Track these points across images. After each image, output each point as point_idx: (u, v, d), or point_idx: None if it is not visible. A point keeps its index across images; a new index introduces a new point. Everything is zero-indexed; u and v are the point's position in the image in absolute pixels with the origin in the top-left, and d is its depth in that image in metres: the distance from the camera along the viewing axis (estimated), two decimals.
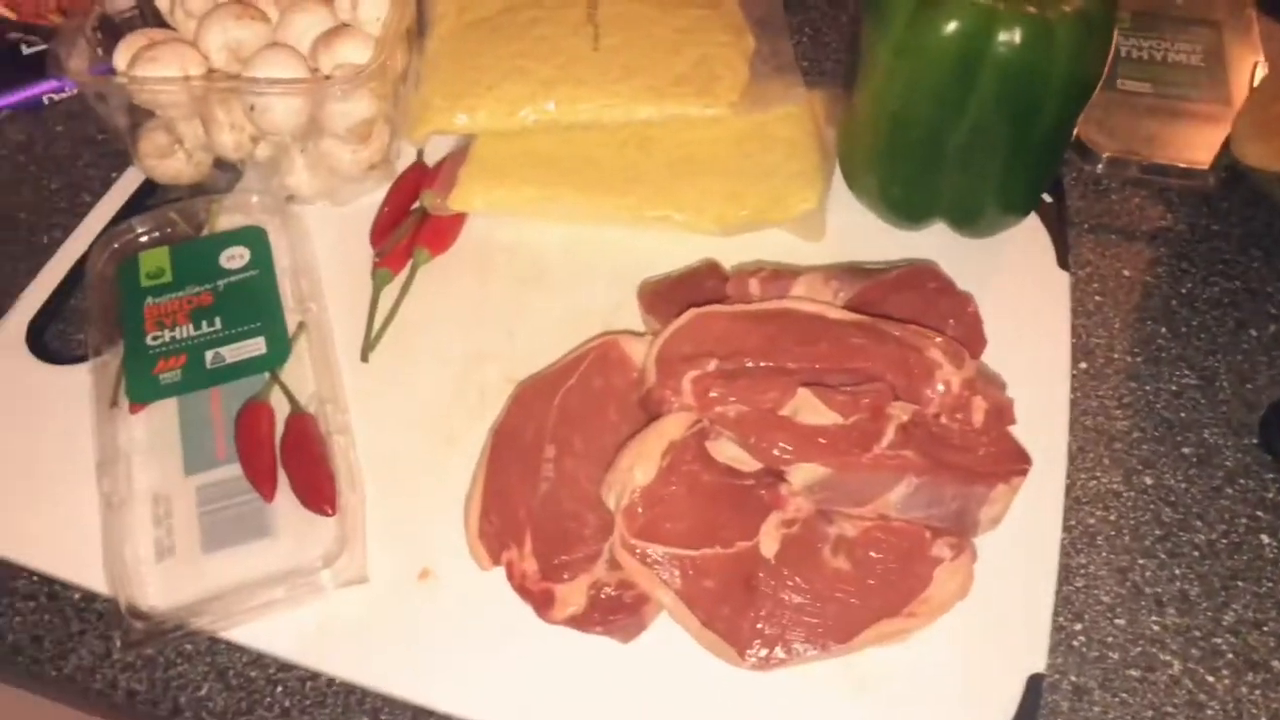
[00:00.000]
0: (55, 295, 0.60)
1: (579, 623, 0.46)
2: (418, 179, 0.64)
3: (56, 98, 0.72)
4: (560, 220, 0.61)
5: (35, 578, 0.50)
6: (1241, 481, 0.52)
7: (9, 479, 0.53)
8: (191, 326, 0.55)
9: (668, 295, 0.55)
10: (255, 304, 0.56)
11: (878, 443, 0.47)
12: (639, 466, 0.45)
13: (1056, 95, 0.52)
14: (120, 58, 0.59)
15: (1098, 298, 0.60)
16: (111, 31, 0.61)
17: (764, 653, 0.44)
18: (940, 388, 0.49)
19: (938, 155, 0.55)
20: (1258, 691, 0.46)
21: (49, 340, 0.59)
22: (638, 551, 0.44)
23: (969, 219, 0.59)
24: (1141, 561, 0.50)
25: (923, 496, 0.47)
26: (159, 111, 0.59)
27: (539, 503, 0.48)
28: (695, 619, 0.44)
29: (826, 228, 0.60)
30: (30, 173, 0.68)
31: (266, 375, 0.54)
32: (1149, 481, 0.52)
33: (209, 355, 0.54)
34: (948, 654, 0.46)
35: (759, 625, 0.44)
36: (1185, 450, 0.53)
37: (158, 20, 0.64)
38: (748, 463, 0.47)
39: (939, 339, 0.50)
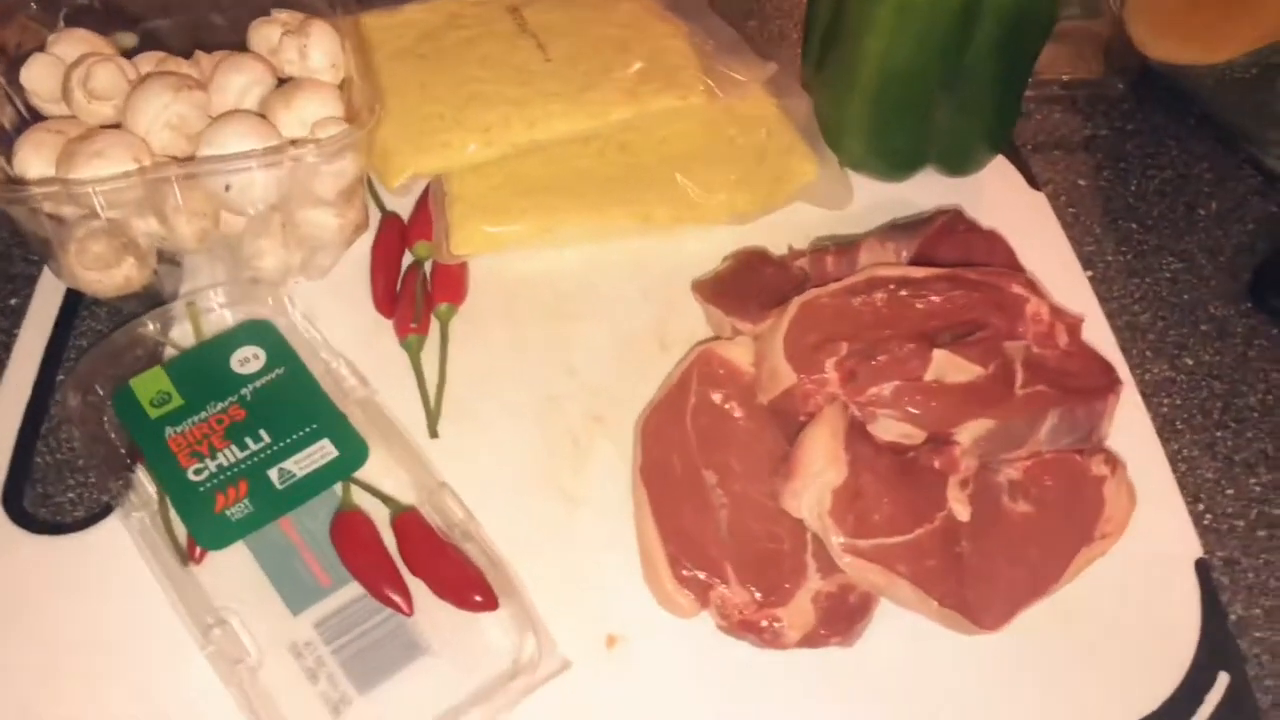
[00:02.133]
0: (16, 453, 0.50)
1: (812, 640, 0.44)
2: (398, 232, 0.58)
3: None
4: (567, 243, 0.58)
5: None
6: (1258, 342, 0.58)
7: (57, 685, 0.44)
8: (236, 448, 0.47)
9: (733, 290, 0.54)
10: (300, 405, 0.49)
11: (1015, 384, 0.48)
12: (830, 466, 0.44)
13: (1040, 26, 0.56)
14: (32, 161, 0.50)
15: (1071, 210, 0.64)
16: None
17: (997, 612, 0.44)
18: (1032, 318, 0.51)
19: (935, 105, 0.57)
20: None
21: (31, 508, 0.49)
22: (861, 549, 0.43)
23: (959, 160, 0.61)
24: (1219, 434, 0.55)
25: (1065, 424, 0.49)
26: (104, 214, 0.50)
27: (726, 532, 0.46)
28: (934, 600, 0.43)
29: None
30: None
31: (339, 484, 0.48)
32: (1190, 363, 0.57)
33: (274, 474, 0.47)
34: (1121, 567, 0.48)
35: (983, 588, 0.45)
36: (1203, 327, 0.59)
37: (29, 111, 0.54)
38: (913, 435, 0.47)
39: (1014, 274, 0.52)
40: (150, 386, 0.49)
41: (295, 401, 0.49)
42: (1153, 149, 0.68)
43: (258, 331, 0.51)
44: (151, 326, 0.52)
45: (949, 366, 0.48)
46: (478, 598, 0.44)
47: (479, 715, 0.42)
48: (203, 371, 0.50)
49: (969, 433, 0.47)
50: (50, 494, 0.50)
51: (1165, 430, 0.54)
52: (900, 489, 0.45)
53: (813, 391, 0.47)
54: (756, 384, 0.49)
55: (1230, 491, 0.52)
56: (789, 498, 0.45)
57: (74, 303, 0.56)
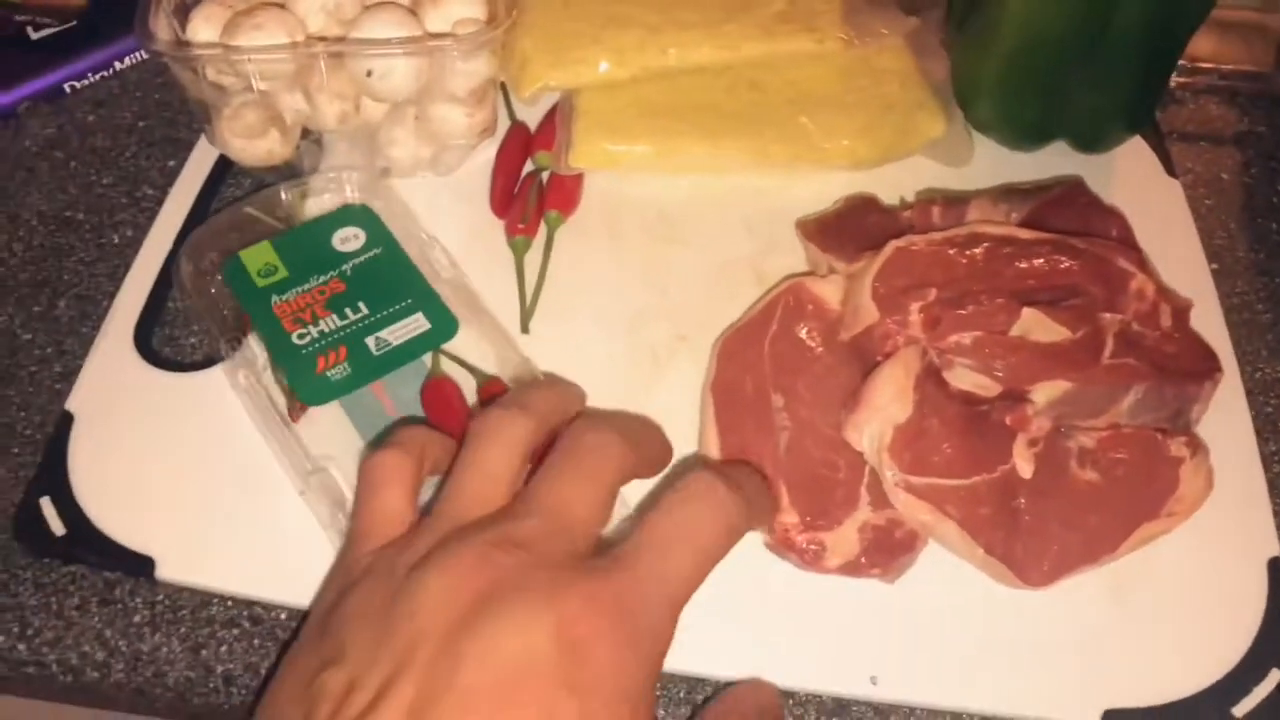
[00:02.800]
0: (151, 298, 0.55)
1: (852, 569, 0.45)
2: (523, 140, 0.60)
3: (78, 84, 0.65)
4: (683, 170, 0.59)
5: (229, 602, 0.46)
6: None
7: (174, 497, 0.48)
8: (336, 317, 0.51)
9: (836, 231, 0.54)
10: (396, 281, 0.52)
11: (1103, 353, 0.47)
12: (895, 402, 0.45)
13: (1193, 16, 0.54)
14: (202, 29, 0.54)
15: (1207, 201, 0.62)
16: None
17: (1045, 571, 0.44)
18: (1135, 295, 0.50)
19: (1071, 76, 0.56)
20: None
21: (159, 347, 0.54)
22: (915, 486, 0.44)
23: (1094, 137, 0.60)
24: None
25: (1149, 401, 0.48)
26: (257, 85, 0.54)
27: (784, 454, 0.47)
28: (979, 547, 0.44)
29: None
30: (73, 170, 0.61)
31: (428, 356, 0.51)
32: None
33: (371, 342, 0.50)
34: (1187, 551, 0.47)
35: (1034, 545, 0.44)
36: None
37: None
38: (987, 388, 0.47)
39: (1124, 249, 0.51)
40: (258, 258, 0.53)
41: (391, 278, 0.52)
42: None
43: (358, 215, 0.55)
44: (261, 207, 0.56)
45: (1036, 325, 0.47)
46: None
47: None
48: (306, 247, 0.53)
49: (1045, 393, 0.46)
50: (176, 336, 0.54)
51: (1266, 429, 0.52)
52: (965, 436, 0.45)
53: (894, 332, 0.47)
54: (841, 320, 0.50)
55: None
56: (851, 429, 0.46)
57: (222, 170, 0.60)
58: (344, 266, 0.53)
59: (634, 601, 0.33)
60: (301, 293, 0.52)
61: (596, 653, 0.31)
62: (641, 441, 0.40)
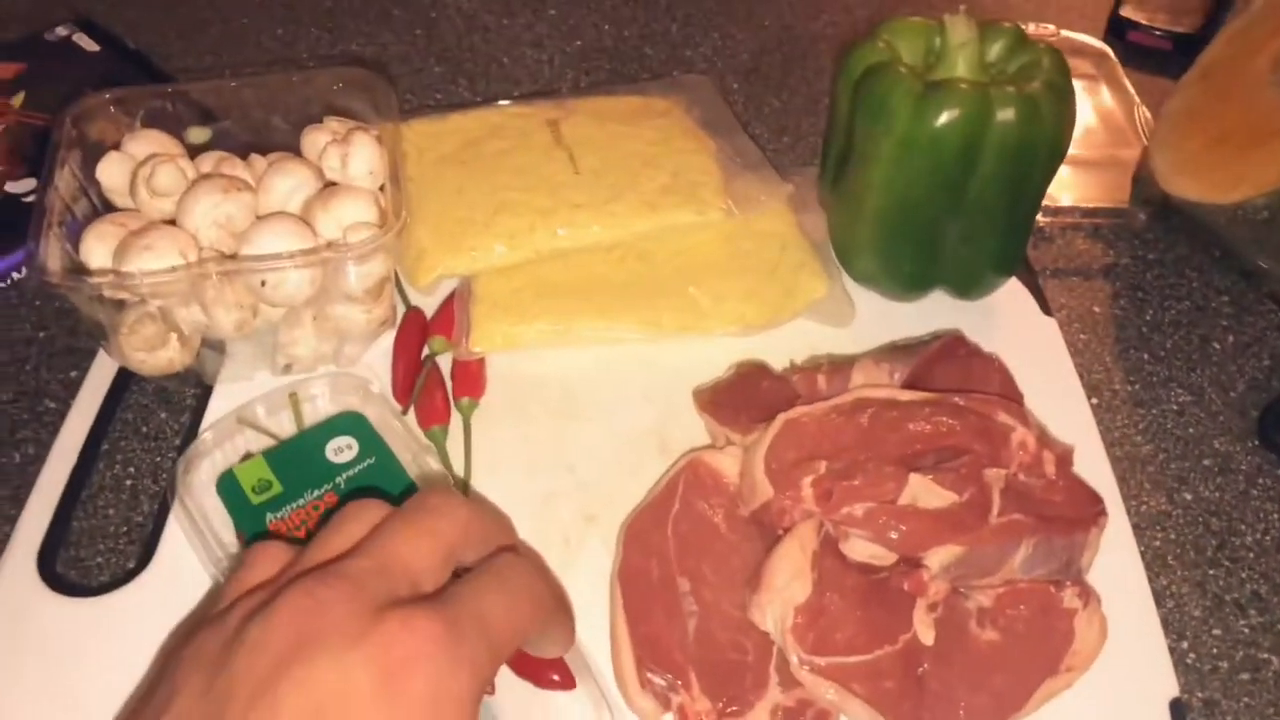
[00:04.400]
0: (56, 518, 0.54)
1: None
2: (420, 326, 0.62)
3: None
4: (581, 344, 0.61)
5: None
6: (1261, 480, 0.58)
7: None
8: None
9: (729, 401, 0.56)
10: (389, 492, 0.52)
11: (991, 512, 0.49)
12: (795, 582, 0.46)
13: (1042, 162, 0.58)
14: (95, 249, 0.55)
15: (1082, 336, 0.65)
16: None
17: None
18: (1018, 448, 0.52)
19: (942, 232, 0.59)
20: None
21: (64, 570, 0.53)
22: (819, 667, 0.45)
23: (969, 284, 0.63)
24: (1212, 572, 0.55)
25: (1040, 554, 0.49)
26: (152, 303, 0.55)
27: (693, 640, 0.47)
28: None
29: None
30: None
31: None
32: (1189, 497, 0.58)
33: None
34: (1090, 701, 0.48)
35: (941, 712, 0.45)
36: (1206, 462, 0.59)
37: (102, 202, 0.60)
38: (883, 557, 0.48)
39: (1003, 402, 0.53)
40: (253, 475, 0.53)
41: (385, 489, 0.52)
42: (1172, 280, 0.69)
43: (350, 423, 0.55)
44: (249, 413, 0.56)
45: (924, 491, 0.49)
46: (555, 676, 0.47)
47: None
48: (299, 460, 0.53)
49: (939, 558, 0.48)
50: (82, 557, 0.54)
51: (1155, 565, 0.55)
52: (865, 608, 0.46)
53: (789, 507, 0.49)
54: (739, 495, 0.51)
55: (1217, 631, 0.52)
56: (755, 610, 0.47)
57: (125, 379, 0.60)
58: (338, 479, 0.53)
59: (453, 633, 0.33)
60: (296, 509, 0.52)
61: (415, 678, 0.32)
62: (535, 590, 0.39)
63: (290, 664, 0.32)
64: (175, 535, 0.53)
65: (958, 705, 0.46)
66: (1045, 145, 0.57)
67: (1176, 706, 0.48)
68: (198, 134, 0.65)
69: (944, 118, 0.54)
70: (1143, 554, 0.54)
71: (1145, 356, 0.64)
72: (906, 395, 0.53)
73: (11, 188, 0.68)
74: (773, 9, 0.91)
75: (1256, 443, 0.60)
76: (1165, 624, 0.52)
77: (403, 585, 0.35)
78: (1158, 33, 0.86)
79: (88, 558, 0.54)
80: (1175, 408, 0.62)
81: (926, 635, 0.47)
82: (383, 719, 0.31)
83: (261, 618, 0.33)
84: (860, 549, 0.48)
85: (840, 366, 0.57)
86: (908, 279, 0.63)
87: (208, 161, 0.60)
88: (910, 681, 0.46)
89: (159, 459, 0.58)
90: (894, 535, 0.48)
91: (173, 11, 0.89)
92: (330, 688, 0.31)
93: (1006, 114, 0.55)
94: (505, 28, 0.89)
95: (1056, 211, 0.71)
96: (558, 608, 0.40)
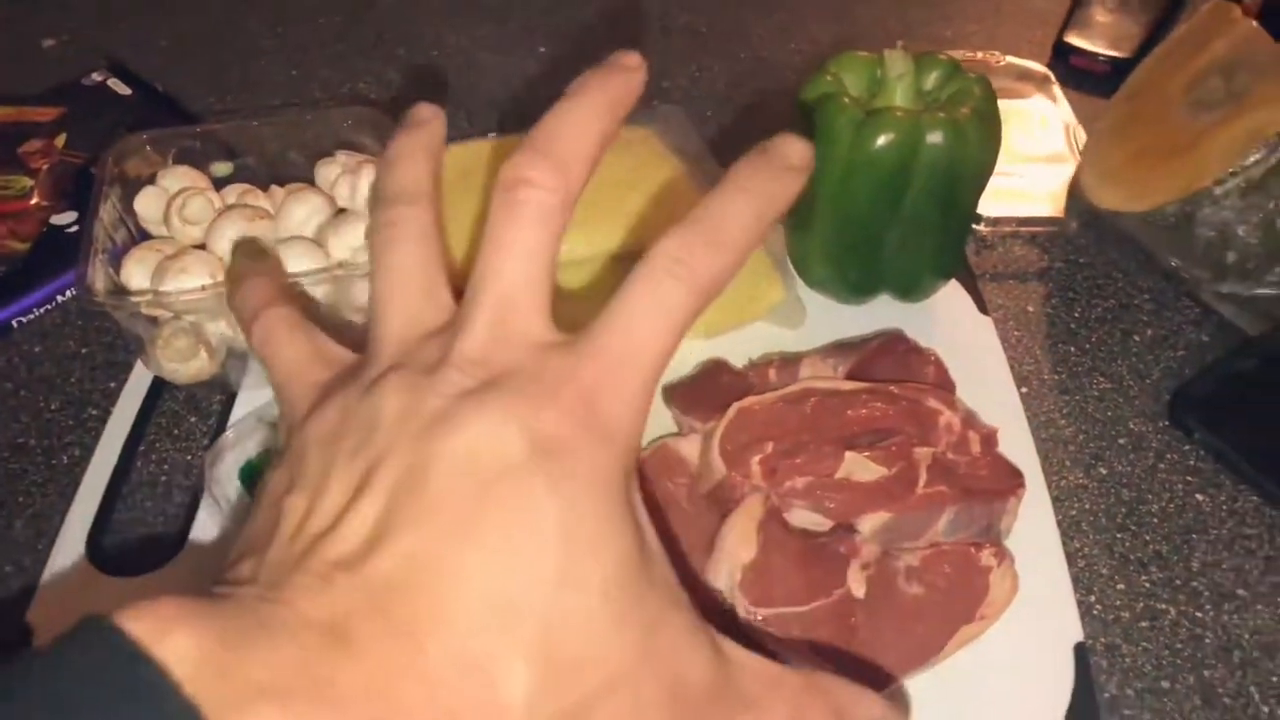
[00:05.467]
0: (100, 510, 0.62)
1: None
2: None
3: (24, 319, 0.73)
4: None
5: None
6: (1169, 456, 0.65)
7: None
8: None
9: (695, 395, 0.63)
10: None
11: (917, 484, 0.57)
12: (743, 546, 0.53)
13: (970, 180, 0.65)
14: (135, 272, 0.63)
15: (1016, 333, 0.73)
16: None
17: (882, 675, 0.52)
18: (945, 429, 0.60)
19: (882, 243, 0.66)
20: (1235, 615, 0.58)
21: (111, 556, 0.61)
22: (764, 617, 0.52)
23: (910, 288, 0.70)
24: (1119, 535, 0.62)
25: (961, 520, 0.57)
26: (185, 318, 0.63)
27: None
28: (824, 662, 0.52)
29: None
30: (23, 398, 0.69)
31: None
32: (1104, 472, 0.65)
33: None
34: (1003, 645, 0.55)
35: (869, 655, 0.53)
36: (1120, 441, 0.66)
37: (139, 231, 0.68)
38: (821, 524, 0.56)
39: (934, 390, 0.61)
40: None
41: None
42: (1100, 281, 0.76)
43: None
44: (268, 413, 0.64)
45: (858, 466, 0.56)
46: None
47: None
48: None
49: (870, 523, 0.55)
50: (125, 543, 0.61)
51: (1070, 530, 0.62)
52: (805, 568, 0.54)
53: (740, 483, 0.56)
54: (698, 475, 0.59)
55: (1121, 586, 0.59)
56: (709, 570, 0.54)
57: (158, 387, 0.68)
58: None
59: (604, 391, 0.32)
60: None
61: (571, 450, 0.31)
62: None
63: (434, 438, 0.31)
64: (205, 523, 0.61)
65: (885, 649, 0.53)
66: (972, 164, 0.64)
67: (1080, 649, 0.55)
68: (222, 168, 0.73)
69: (880, 141, 0.62)
70: (1060, 522, 0.61)
71: (1072, 349, 0.72)
72: (848, 385, 0.61)
73: (56, 220, 0.76)
74: (746, 42, 0.99)
75: (1167, 423, 0.67)
76: (1076, 581, 0.59)
77: (533, 327, 0.36)
78: (1100, 58, 0.94)
79: (129, 543, 0.61)
80: (1096, 393, 0.69)
81: (859, 590, 0.54)
82: (544, 491, 0.30)
83: (391, 391, 0.33)
84: (801, 517, 0.56)
85: (790, 362, 0.64)
86: (854, 284, 0.70)
87: (232, 193, 0.68)
88: (844, 629, 0.53)
89: (190, 458, 0.66)
90: (830, 505, 0.55)
91: (197, 56, 0.98)
92: (483, 461, 0.31)
93: (935, 137, 0.62)
94: (500, 65, 0.97)
95: (996, 221, 0.78)
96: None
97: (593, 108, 0.38)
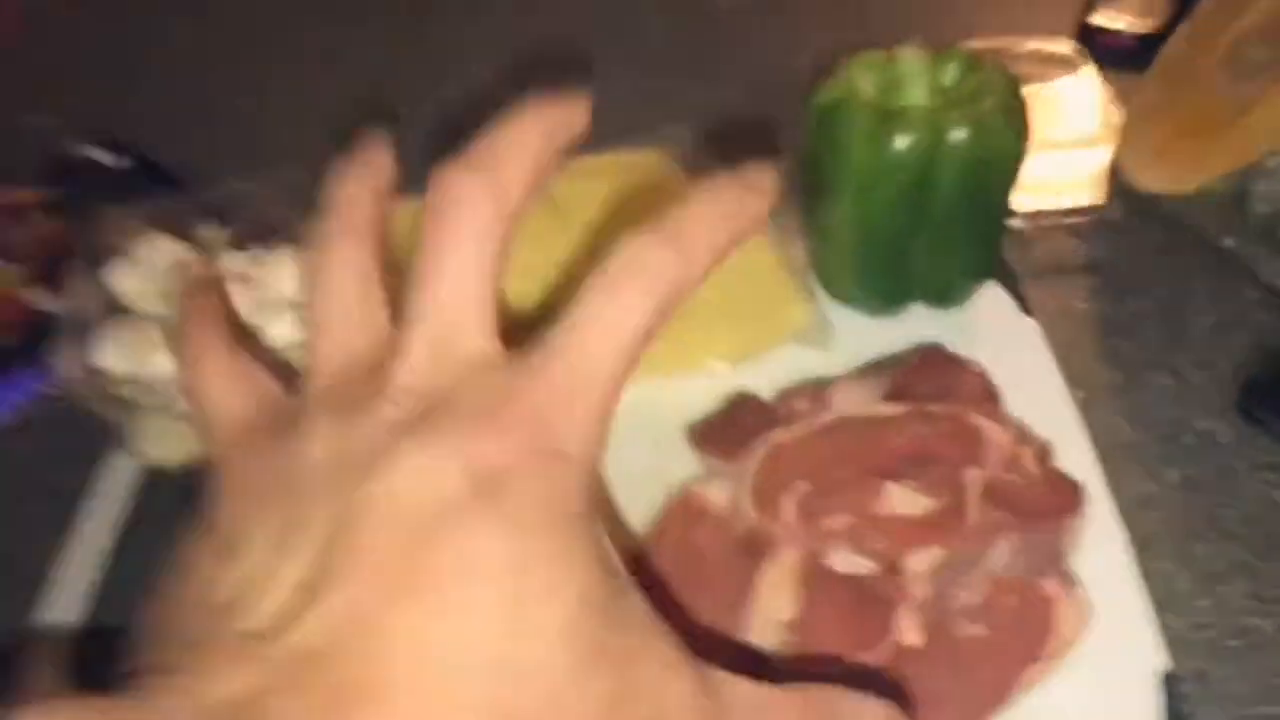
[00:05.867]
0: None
1: None
2: None
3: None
4: None
5: None
6: (1244, 453, 0.60)
7: None
8: None
9: (720, 435, 0.59)
10: None
11: (968, 513, 0.52)
12: (779, 599, 0.49)
13: (999, 175, 0.60)
14: (109, 354, 0.60)
15: (1063, 333, 0.67)
16: None
17: None
18: (993, 447, 0.55)
19: (910, 250, 0.62)
20: None
21: None
22: (809, 676, 0.47)
23: (944, 294, 0.66)
24: (1198, 547, 0.56)
25: (1021, 548, 0.52)
26: (159, 398, 0.59)
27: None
28: None
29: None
30: None
31: None
32: (1174, 477, 0.59)
33: None
34: (1078, 683, 0.50)
35: (929, 711, 0.48)
36: (1188, 442, 0.61)
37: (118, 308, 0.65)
38: (867, 566, 0.51)
39: (977, 405, 0.56)
40: None
41: None
42: (1150, 269, 0.71)
43: None
44: None
45: (901, 499, 0.52)
46: None
47: None
48: None
49: (920, 561, 0.50)
50: None
51: (1142, 546, 0.56)
52: (851, 618, 0.49)
53: (774, 529, 0.52)
54: (726, 522, 0.54)
55: (1204, 603, 0.54)
56: (743, 626, 0.50)
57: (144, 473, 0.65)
58: None
59: (556, 410, 0.29)
60: None
61: (518, 481, 0.28)
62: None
63: (362, 485, 0.28)
64: None
65: (943, 702, 0.48)
66: (1000, 159, 0.60)
67: (1169, 679, 0.50)
68: (209, 234, 0.70)
69: (899, 143, 0.58)
70: (1130, 538, 0.56)
71: (1126, 346, 0.66)
72: (884, 409, 0.56)
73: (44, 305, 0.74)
74: (752, 56, 0.95)
75: (1238, 417, 0.61)
76: (1154, 601, 0.53)
77: (474, 343, 0.32)
78: (1126, 35, 0.88)
79: None
80: (1157, 392, 0.63)
81: (911, 637, 0.49)
82: (488, 532, 0.27)
83: (318, 439, 0.30)
84: (845, 561, 0.51)
85: (820, 390, 0.59)
86: (884, 295, 0.66)
87: (218, 262, 0.65)
88: (895, 683, 0.48)
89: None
90: (874, 545, 0.51)
91: (185, 122, 0.95)
92: (418, 505, 0.27)
93: (958, 135, 0.58)
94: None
95: (1036, 215, 0.73)
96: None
97: (530, 129, 0.34)
